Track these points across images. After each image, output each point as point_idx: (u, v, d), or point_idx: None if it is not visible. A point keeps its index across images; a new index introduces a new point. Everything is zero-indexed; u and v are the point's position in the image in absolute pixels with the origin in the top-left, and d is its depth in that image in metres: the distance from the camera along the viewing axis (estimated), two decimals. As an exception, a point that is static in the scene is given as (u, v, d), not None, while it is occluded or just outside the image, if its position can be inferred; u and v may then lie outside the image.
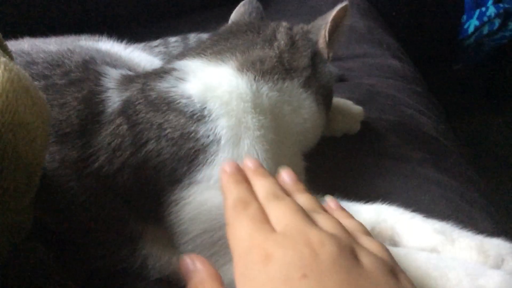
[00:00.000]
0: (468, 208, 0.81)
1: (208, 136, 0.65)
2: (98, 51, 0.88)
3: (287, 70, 0.76)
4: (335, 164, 0.90)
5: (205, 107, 0.67)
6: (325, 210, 0.53)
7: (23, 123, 0.49)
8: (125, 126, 0.65)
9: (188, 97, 0.68)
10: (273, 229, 0.46)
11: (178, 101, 0.67)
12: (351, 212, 0.68)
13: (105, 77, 0.72)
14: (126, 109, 0.67)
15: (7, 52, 0.60)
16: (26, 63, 0.73)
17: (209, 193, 0.63)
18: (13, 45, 0.74)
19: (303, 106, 0.77)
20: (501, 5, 2.02)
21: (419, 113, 1.11)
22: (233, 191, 0.52)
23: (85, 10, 1.42)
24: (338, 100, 0.98)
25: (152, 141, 0.64)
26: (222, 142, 0.65)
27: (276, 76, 0.75)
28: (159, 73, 0.73)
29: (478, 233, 0.66)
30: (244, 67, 0.74)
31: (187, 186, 0.64)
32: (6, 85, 0.48)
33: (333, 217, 0.50)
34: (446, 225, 0.66)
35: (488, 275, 0.55)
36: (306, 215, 0.48)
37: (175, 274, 0.68)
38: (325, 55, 0.81)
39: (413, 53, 1.53)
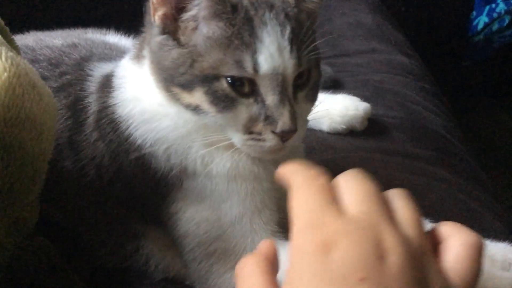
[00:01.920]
0: (476, 207, 0.81)
1: (162, 168, 0.62)
2: (105, 44, 0.87)
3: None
4: (342, 161, 0.89)
5: (136, 138, 0.63)
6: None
7: (29, 118, 0.49)
8: (101, 144, 0.65)
9: (124, 121, 0.64)
10: (341, 211, 0.40)
11: (122, 126, 0.64)
12: None
13: (89, 81, 0.70)
14: (98, 124, 0.66)
15: (14, 47, 0.60)
16: (29, 61, 0.73)
17: (192, 209, 0.63)
18: (18, 39, 0.74)
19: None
20: (511, 1, 2.00)
21: (427, 110, 1.10)
22: (303, 170, 0.46)
23: (94, 4, 1.42)
24: (345, 97, 0.97)
25: (125, 164, 0.64)
26: (175, 177, 0.62)
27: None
28: (110, 83, 0.68)
29: (485, 232, 0.65)
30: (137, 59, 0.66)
31: (172, 202, 0.64)
32: (12, 80, 0.48)
33: (414, 211, 0.42)
34: None
35: (496, 277, 0.55)
36: (385, 205, 0.42)
37: (180, 276, 0.68)
38: (152, 16, 0.60)
39: (421, 49, 1.52)
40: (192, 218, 0.63)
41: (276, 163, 0.63)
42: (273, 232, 0.64)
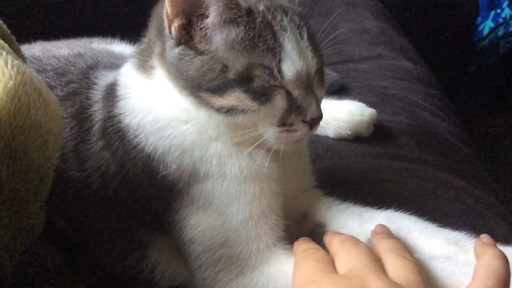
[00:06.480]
0: (484, 212, 0.80)
1: (170, 174, 0.63)
2: (110, 53, 0.88)
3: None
4: (348, 167, 0.89)
5: (145, 147, 0.63)
6: (410, 254, 0.54)
7: (35, 125, 0.49)
8: (107, 153, 0.65)
9: (132, 130, 0.64)
10: (334, 271, 0.50)
11: (129, 135, 0.64)
12: (364, 219, 0.68)
13: (94, 89, 0.70)
14: (104, 133, 0.66)
15: (20, 55, 0.61)
16: (36, 71, 0.73)
17: (197, 216, 0.63)
18: (25, 49, 0.75)
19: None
20: (516, 6, 1.99)
21: (433, 115, 1.10)
22: (304, 244, 0.58)
23: (99, 14, 1.43)
24: (351, 103, 0.97)
25: (132, 172, 0.64)
26: (183, 182, 0.63)
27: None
28: (115, 92, 0.68)
29: (493, 236, 0.64)
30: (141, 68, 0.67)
31: (178, 209, 0.64)
32: (18, 88, 0.48)
33: (410, 264, 0.51)
34: (459, 235, 0.64)
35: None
36: (375, 261, 0.50)
37: (186, 284, 0.68)
38: (167, 29, 0.60)
39: (427, 55, 1.52)
40: (197, 224, 0.63)
41: (291, 163, 0.70)
42: (277, 238, 0.64)
